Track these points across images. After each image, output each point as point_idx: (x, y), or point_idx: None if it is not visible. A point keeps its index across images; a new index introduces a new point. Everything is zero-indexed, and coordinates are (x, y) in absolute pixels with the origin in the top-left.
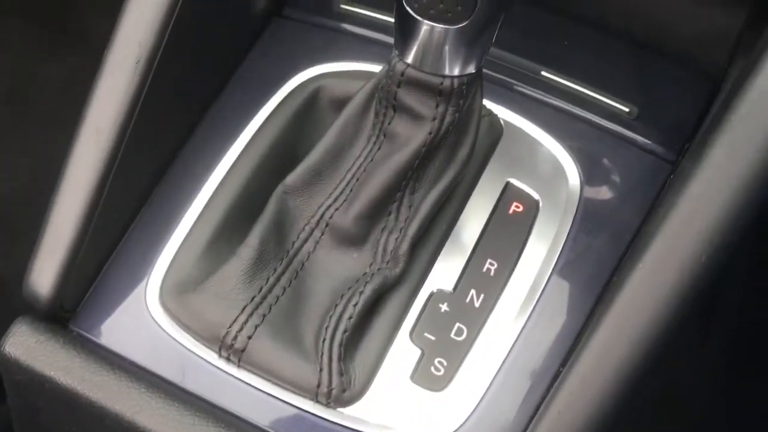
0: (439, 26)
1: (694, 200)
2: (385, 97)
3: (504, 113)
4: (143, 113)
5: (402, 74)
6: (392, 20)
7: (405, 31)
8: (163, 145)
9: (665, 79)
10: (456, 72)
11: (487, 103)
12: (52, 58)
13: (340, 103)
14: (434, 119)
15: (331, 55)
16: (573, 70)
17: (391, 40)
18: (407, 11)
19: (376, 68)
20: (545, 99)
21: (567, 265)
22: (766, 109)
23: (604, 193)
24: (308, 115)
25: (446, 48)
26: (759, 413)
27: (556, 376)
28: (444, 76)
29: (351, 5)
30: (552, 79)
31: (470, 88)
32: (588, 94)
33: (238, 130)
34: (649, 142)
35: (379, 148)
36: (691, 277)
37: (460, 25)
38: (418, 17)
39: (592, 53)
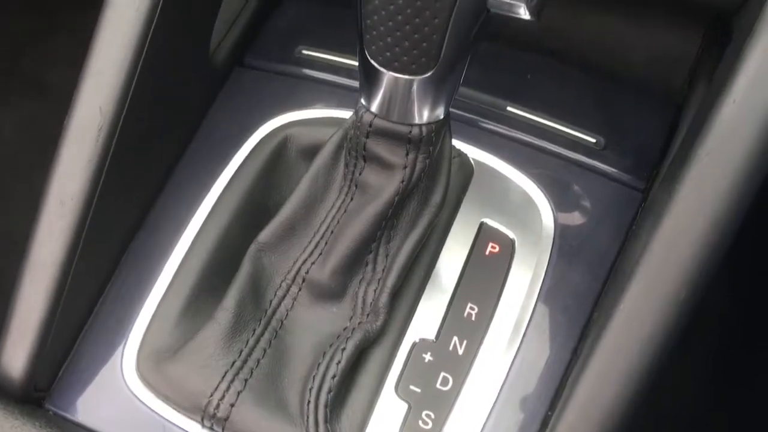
0: (404, 77)
1: (669, 238)
2: (354, 148)
3: (473, 152)
4: (108, 182)
5: (370, 125)
6: (353, 63)
7: (370, 82)
8: (130, 210)
9: (629, 106)
10: (424, 120)
11: (456, 143)
12: (4, 105)
13: (308, 152)
14: (405, 167)
15: (295, 103)
16: (538, 103)
17: (353, 83)
18: (371, 63)
19: (341, 113)
20: (513, 134)
21: (547, 303)
22: (732, 143)
23: (578, 227)
24: (277, 165)
25: (413, 98)
26: (749, 421)
27: (545, 422)
28: (412, 125)
29: (311, 50)
30: (518, 114)
31: (439, 133)
32: (554, 128)
33: (207, 186)
34: (618, 171)
35: (351, 199)
36: (672, 314)
37: (425, 76)
38: (382, 69)
39: (555, 85)
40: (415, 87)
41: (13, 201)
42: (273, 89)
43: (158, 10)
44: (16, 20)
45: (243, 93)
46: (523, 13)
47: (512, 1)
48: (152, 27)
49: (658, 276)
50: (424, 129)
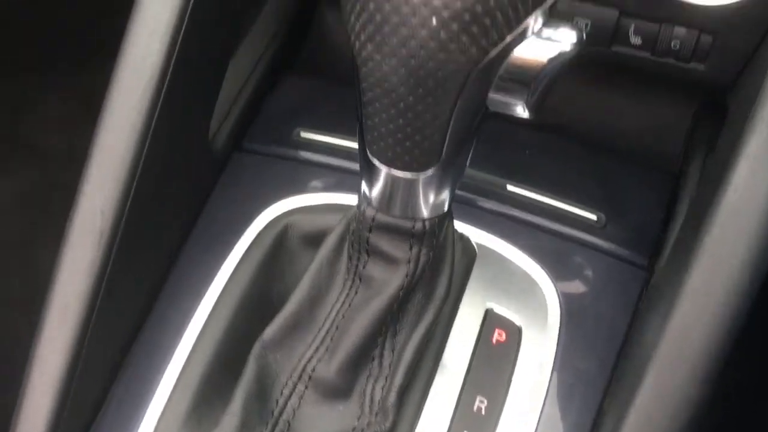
0: (407, 175)
1: (679, 335)
2: (357, 242)
3: (474, 233)
4: (109, 285)
5: (372, 220)
6: (352, 145)
7: (372, 177)
8: (132, 309)
9: (627, 180)
10: (427, 214)
11: (457, 224)
12: (3, 173)
13: (310, 239)
14: (409, 261)
15: (295, 188)
16: (538, 181)
17: (353, 165)
18: (373, 162)
19: (341, 197)
20: (514, 214)
21: (556, 394)
22: (738, 232)
23: (583, 309)
24: (279, 254)
25: (416, 194)
26: None
27: None
28: (416, 219)
29: (309, 133)
30: (518, 193)
31: (442, 224)
32: (555, 206)
33: (208, 280)
34: (620, 248)
35: (356, 293)
36: (686, 413)
37: (428, 173)
38: (384, 167)
39: (554, 162)
40: (417, 184)
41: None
42: (272, 174)
43: (159, 104)
44: (9, 82)
45: (242, 179)
46: (521, 112)
47: (511, 102)
48: (152, 125)
49: (669, 377)
50: (427, 224)
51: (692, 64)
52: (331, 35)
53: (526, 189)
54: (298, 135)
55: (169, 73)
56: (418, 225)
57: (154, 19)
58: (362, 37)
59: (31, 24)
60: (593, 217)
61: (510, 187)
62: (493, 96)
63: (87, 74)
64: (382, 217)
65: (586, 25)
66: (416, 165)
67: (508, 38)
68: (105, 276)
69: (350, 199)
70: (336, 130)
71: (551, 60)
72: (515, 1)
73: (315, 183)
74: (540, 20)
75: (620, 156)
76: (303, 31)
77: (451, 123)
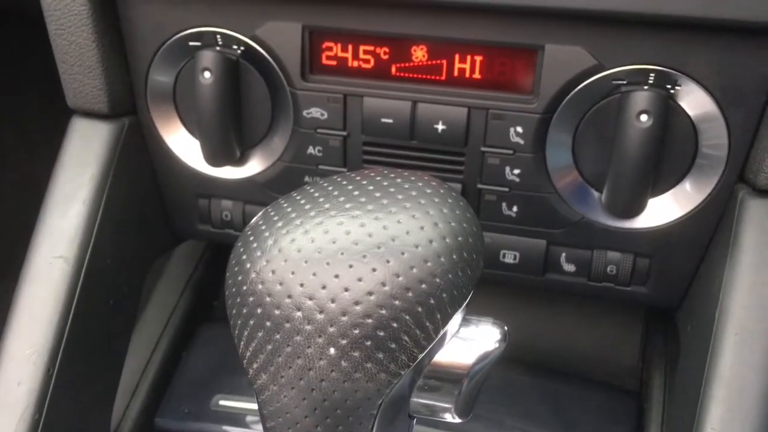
0: None
1: None
2: None
3: None
4: None
5: None
6: None
7: None
8: None
9: (590, 404)
10: None
11: None
12: None
13: None
14: None
15: None
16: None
17: None
18: None
19: None
20: None
21: None
22: None
23: None
24: None
25: None
26: None
27: None
28: None
29: (229, 400)
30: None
31: None
32: None
33: None
34: None
35: None
36: None
37: None
38: None
39: (517, 394)
40: None
41: None
42: None
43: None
44: None
45: None
46: (451, 418)
47: (438, 404)
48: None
49: None
50: None
51: (632, 288)
52: None
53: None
54: (217, 404)
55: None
56: None
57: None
58: (254, 366)
59: None
60: None
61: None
62: (417, 401)
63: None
64: None
65: (515, 257)
66: None
67: (421, 356)
68: None
69: None
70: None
71: (476, 362)
72: (421, 320)
73: None
74: (457, 323)
75: (579, 379)
76: (218, 277)
77: None
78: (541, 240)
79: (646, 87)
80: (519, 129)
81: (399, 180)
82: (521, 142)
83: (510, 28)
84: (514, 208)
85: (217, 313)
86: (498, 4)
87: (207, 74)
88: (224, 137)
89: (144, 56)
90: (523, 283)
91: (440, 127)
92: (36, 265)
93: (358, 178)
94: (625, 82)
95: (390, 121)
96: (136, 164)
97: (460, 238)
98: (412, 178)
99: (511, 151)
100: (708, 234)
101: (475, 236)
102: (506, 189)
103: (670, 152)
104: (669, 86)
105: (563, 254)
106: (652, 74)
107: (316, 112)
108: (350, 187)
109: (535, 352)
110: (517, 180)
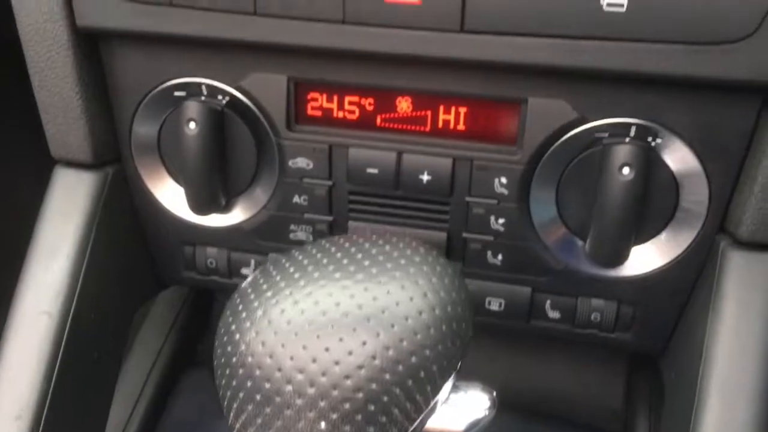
0: None
1: None
2: None
3: None
4: None
5: None
6: None
7: None
8: None
9: None
10: None
11: None
12: None
13: None
14: None
15: None
16: None
17: None
18: None
19: None
20: None
21: None
22: None
23: None
24: None
25: None
26: None
27: None
28: None
29: None
30: None
31: None
32: None
33: None
34: None
35: None
36: None
37: None
38: None
39: None
40: None
41: None
42: None
43: None
44: None
45: None
46: None
47: None
48: None
49: None
50: None
51: (616, 335)
52: None
53: None
54: None
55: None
56: None
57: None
58: None
59: None
60: None
61: None
62: None
63: None
64: None
65: (500, 305)
66: None
67: (412, 428)
68: None
69: None
70: None
71: (467, 429)
72: (411, 393)
73: None
74: (447, 391)
75: (562, 422)
76: (202, 320)
77: None
78: (526, 287)
79: (627, 140)
80: (503, 179)
81: (387, 247)
82: (506, 192)
83: (493, 82)
84: (499, 257)
85: (201, 357)
86: (481, 60)
87: (192, 125)
88: (210, 187)
89: (128, 107)
90: (508, 329)
91: (425, 177)
92: (20, 321)
93: (346, 244)
94: (607, 134)
95: (375, 171)
96: (121, 213)
97: (449, 309)
98: (401, 245)
99: (495, 201)
100: (690, 282)
101: (464, 305)
102: (491, 238)
103: (652, 203)
104: (650, 139)
105: (548, 301)
106: (634, 127)
107: (301, 162)
108: (339, 255)
109: (517, 394)
110: (502, 229)
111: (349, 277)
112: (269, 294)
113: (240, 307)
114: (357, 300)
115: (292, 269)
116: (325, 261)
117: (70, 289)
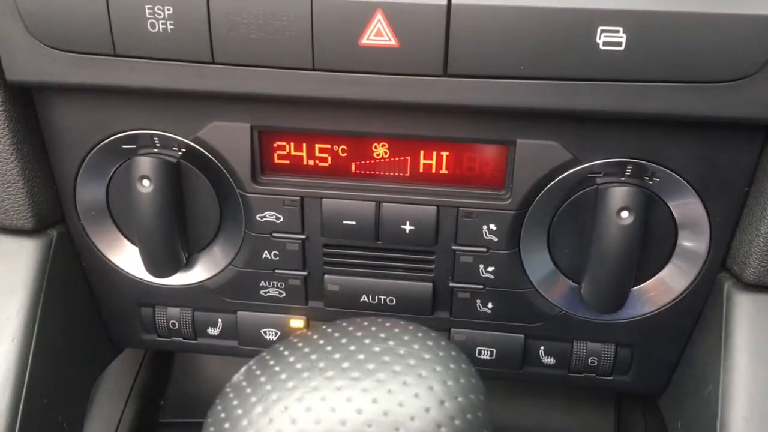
0: None
1: None
2: None
3: None
4: None
5: None
6: None
7: None
8: None
9: None
10: None
11: None
12: None
13: None
14: None
15: None
16: None
17: None
18: None
19: None
20: None
21: None
22: None
23: None
24: None
25: None
26: None
27: None
28: None
29: None
30: None
31: None
32: None
33: None
34: None
35: None
36: None
37: None
38: None
39: None
40: None
41: None
42: None
43: None
44: None
45: None
46: None
47: None
48: None
49: None
50: None
51: (614, 377)
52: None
53: None
54: None
55: None
56: None
57: None
58: None
59: None
60: None
61: None
62: None
63: None
64: None
65: (492, 353)
66: None
67: None
68: None
69: None
70: None
71: None
72: None
73: None
74: None
75: None
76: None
77: None
78: (519, 334)
79: (623, 179)
80: (492, 226)
81: (383, 335)
82: (495, 239)
83: (479, 125)
84: (490, 305)
85: (163, 413)
86: (467, 105)
87: (146, 182)
88: (168, 247)
89: (70, 162)
90: (500, 376)
91: (407, 227)
92: None
93: (336, 334)
94: (601, 174)
95: (352, 223)
96: (69, 279)
97: (460, 399)
98: (396, 330)
99: (484, 249)
100: (692, 321)
101: (475, 389)
102: (481, 286)
103: (650, 243)
104: (647, 177)
105: (542, 347)
106: (630, 166)
107: (270, 216)
108: (329, 348)
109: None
110: (492, 277)
111: (343, 376)
112: (269, 388)
113: (234, 403)
114: (355, 404)
115: (284, 375)
116: (321, 365)
117: (18, 378)
